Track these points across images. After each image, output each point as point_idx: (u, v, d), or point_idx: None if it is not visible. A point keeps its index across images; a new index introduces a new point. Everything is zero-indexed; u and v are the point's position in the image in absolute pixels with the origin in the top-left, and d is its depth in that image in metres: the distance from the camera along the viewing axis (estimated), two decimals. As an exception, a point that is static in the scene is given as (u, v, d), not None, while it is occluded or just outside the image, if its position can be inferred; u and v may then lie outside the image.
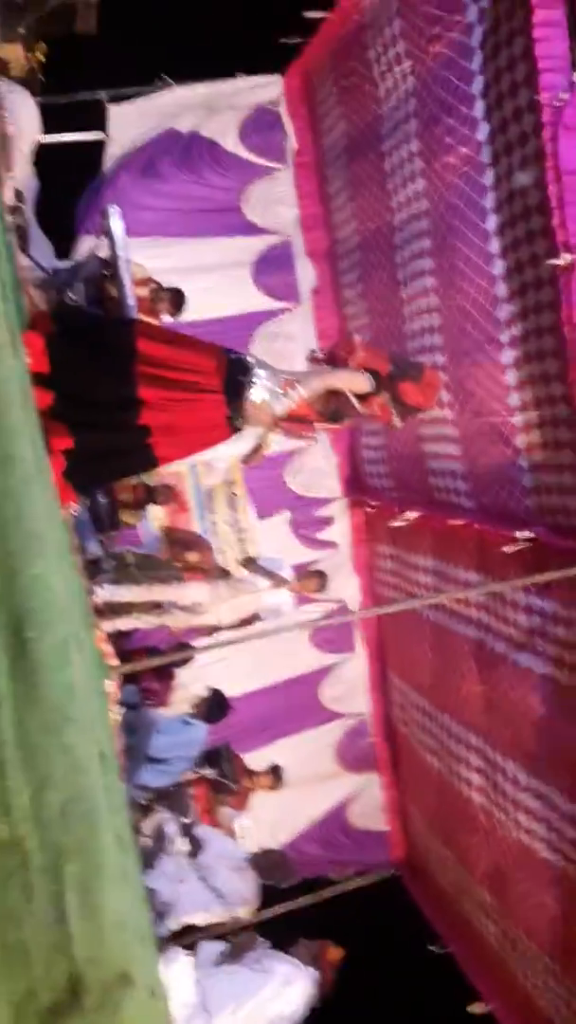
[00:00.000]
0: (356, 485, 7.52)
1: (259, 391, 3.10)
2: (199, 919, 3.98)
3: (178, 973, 3.48)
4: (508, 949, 5.91)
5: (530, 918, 5.49)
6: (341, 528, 7.63)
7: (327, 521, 7.60)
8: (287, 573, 5.38)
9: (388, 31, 5.40)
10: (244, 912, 4.19)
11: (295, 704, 7.54)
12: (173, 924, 3.86)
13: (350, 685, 7.77)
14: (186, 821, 3.97)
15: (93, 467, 3.16)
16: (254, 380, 3.09)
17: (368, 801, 7.97)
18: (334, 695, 7.72)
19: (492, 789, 5.74)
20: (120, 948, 1.22)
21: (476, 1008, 6.05)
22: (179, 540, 5.60)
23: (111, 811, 1.31)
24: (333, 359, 3.34)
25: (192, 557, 5.28)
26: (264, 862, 4.35)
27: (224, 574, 5.32)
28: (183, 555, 5.26)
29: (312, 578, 5.56)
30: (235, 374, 3.08)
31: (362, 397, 3.35)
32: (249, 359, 3.17)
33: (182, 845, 3.93)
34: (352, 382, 3.28)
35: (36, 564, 1.25)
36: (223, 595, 4.93)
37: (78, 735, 1.24)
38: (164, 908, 3.75)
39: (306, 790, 7.49)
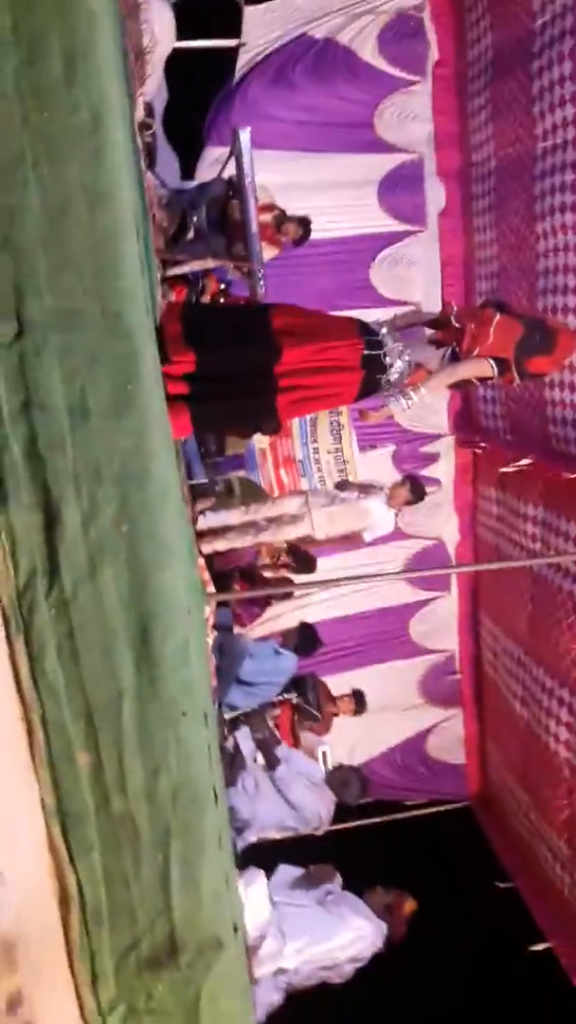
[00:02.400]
0: (467, 422, 7.31)
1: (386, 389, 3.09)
2: (275, 834, 4.18)
3: (256, 894, 3.67)
4: (577, 896, 6.00)
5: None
6: (446, 466, 7.48)
7: (432, 458, 7.45)
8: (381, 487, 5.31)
9: None
10: (318, 829, 4.37)
11: (384, 634, 7.62)
12: (252, 838, 4.07)
13: (441, 622, 7.78)
14: (264, 738, 4.13)
15: (214, 401, 3.08)
16: (387, 381, 3.07)
17: (448, 734, 8.08)
18: (424, 630, 7.76)
19: (580, 745, 5.73)
20: (215, 917, 1.34)
21: (538, 947, 6.23)
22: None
23: (212, 811, 1.38)
24: (456, 338, 3.19)
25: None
26: (340, 777, 4.50)
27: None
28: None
29: (405, 487, 5.31)
30: (373, 373, 3.04)
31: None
32: (387, 359, 3.07)
33: (260, 760, 4.11)
34: (476, 371, 3.17)
35: (164, 573, 1.29)
36: (319, 502, 4.93)
37: (191, 728, 1.31)
38: (243, 824, 3.95)
39: (388, 717, 7.65)
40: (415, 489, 5.20)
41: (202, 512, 4.85)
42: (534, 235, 5.73)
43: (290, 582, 5.71)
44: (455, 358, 3.18)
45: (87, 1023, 1.36)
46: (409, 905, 4.04)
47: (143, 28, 4.50)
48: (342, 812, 5.74)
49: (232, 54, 6.30)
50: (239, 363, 2.86)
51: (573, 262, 5.27)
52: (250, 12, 6.22)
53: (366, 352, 3.00)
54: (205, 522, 4.80)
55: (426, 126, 6.77)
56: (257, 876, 3.77)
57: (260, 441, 6.83)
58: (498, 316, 3.12)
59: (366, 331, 3.05)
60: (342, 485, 5.37)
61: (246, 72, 6.32)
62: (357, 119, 6.57)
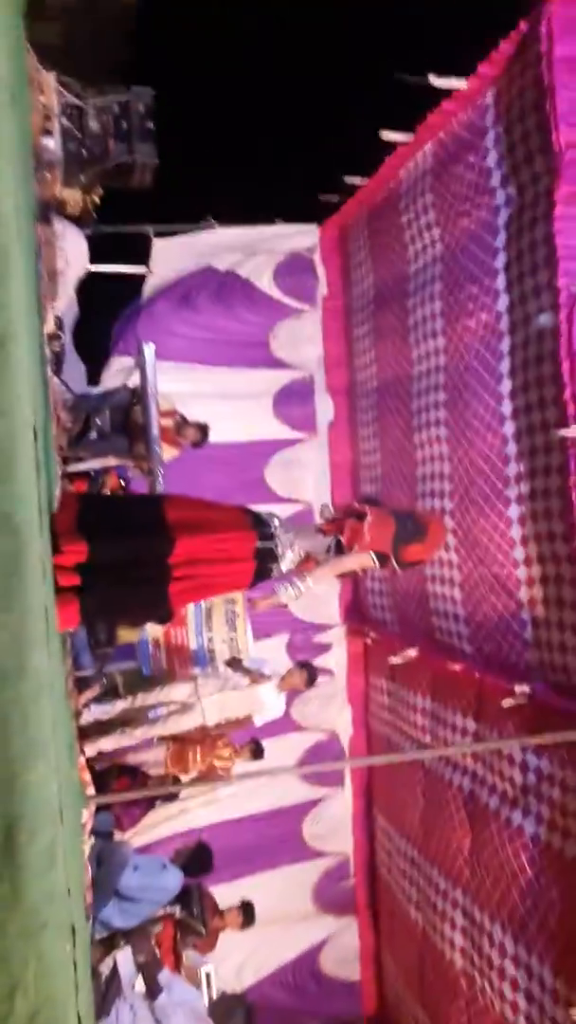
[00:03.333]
0: (357, 613, 7.55)
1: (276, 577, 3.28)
2: None
3: None
4: None
5: None
6: (338, 656, 7.61)
7: (324, 647, 7.58)
8: (269, 671, 5.33)
9: (421, 201, 5.82)
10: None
11: (276, 837, 7.31)
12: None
13: (335, 823, 7.55)
14: (146, 962, 3.79)
15: (105, 592, 3.13)
16: (278, 569, 3.26)
17: (343, 947, 7.61)
18: (317, 832, 7.50)
19: (476, 954, 5.51)
20: None
21: None
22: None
23: (78, 998, 1.30)
24: (338, 529, 3.45)
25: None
26: (224, 1008, 4.14)
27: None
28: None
29: (298, 672, 5.40)
30: (265, 563, 3.21)
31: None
32: (279, 550, 3.26)
33: (139, 986, 3.76)
34: (359, 563, 3.43)
35: (33, 772, 1.28)
36: (208, 690, 4.90)
37: (52, 941, 1.24)
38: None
39: (278, 930, 7.18)
40: (311, 674, 5.29)
41: (87, 704, 4.75)
42: (412, 445, 6.30)
43: (176, 781, 5.52)
44: (340, 549, 3.41)
45: None
46: None
47: (58, 253, 5.00)
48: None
49: (141, 279, 6.96)
50: (132, 553, 2.95)
51: (446, 469, 5.77)
52: (159, 244, 6.97)
53: (259, 544, 3.17)
54: (91, 715, 4.68)
55: (316, 348, 7.51)
56: None
57: (153, 631, 6.82)
58: (370, 514, 3.40)
59: (258, 523, 3.23)
60: (233, 663, 5.39)
61: (154, 293, 6.96)
62: (254, 339, 7.25)
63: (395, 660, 6.49)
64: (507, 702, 4.79)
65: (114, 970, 3.72)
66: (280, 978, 7.36)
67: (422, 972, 6.37)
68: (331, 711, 7.57)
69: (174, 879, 4.30)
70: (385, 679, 7.11)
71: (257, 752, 5.19)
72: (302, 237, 7.42)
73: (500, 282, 4.85)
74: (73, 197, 5.29)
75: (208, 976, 4.40)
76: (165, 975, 3.79)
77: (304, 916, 7.53)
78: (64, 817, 1.36)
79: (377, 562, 3.42)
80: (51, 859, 1.19)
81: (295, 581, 3.38)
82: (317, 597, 7.67)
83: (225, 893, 5.97)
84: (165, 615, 3.21)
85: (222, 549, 3.06)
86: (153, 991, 3.70)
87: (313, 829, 7.46)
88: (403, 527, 3.42)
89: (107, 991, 3.63)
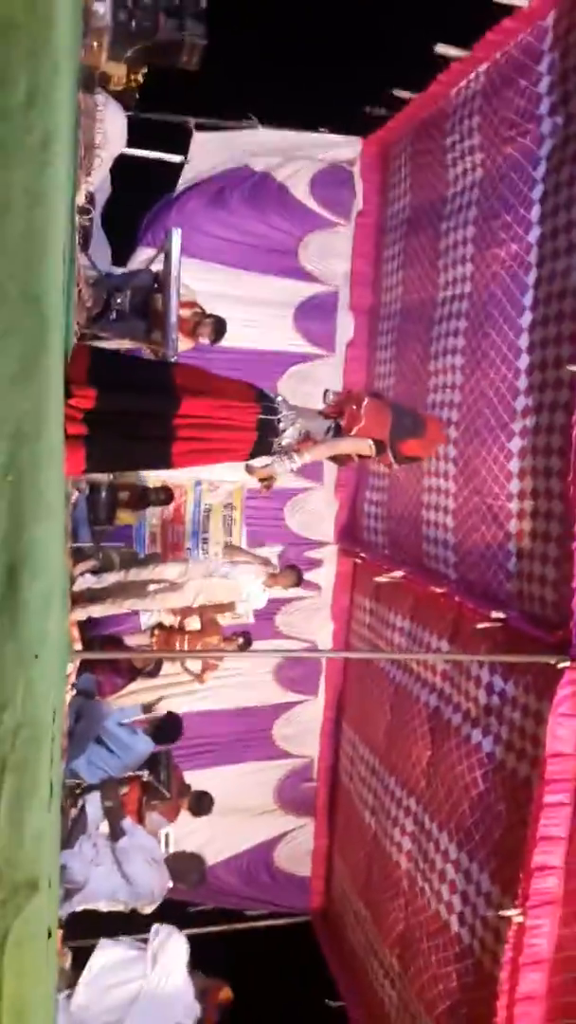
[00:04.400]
0: (350, 534, 7.71)
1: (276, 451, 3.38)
2: (103, 905, 4.10)
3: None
4: (404, 1018, 5.96)
5: (431, 990, 5.56)
6: (327, 573, 7.80)
7: (315, 563, 7.77)
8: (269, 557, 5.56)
9: (467, 123, 5.73)
10: (147, 906, 4.30)
11: (246, 734, 7.64)
12: (78, 905, 3.98)
13: (304, 727, 7.88)
14: (112, 807, 4.10)
15: (111, 442, 3.22)
16: (278, 444, 3.35)
17: (298, 844, 8.03)
18: (287, 733, 7.83)
19: (421, 858, 5.84)
20: (34, 857, 1.41)
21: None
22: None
23: (52, 752, 1.49)
24: (339, 413, 3.55)
25: None
26: (179, 862, 4.48)
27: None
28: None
29: (289, 572, 5.68)
30: (265, 436, 3.31)
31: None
32: (281, 425, 3.36)
33: (103, 828, 4.07)
34: (356, 448, 3.53)
35: (41, 525, 1.44)
36: (197, 573, 5.10)
37: (41, 674, 1.43)
38: (73, 887, 3.88)
39: (238, 821, 7.57)
40: (297, 575, 5.49)
41: (81, 574, 4.94)
42: (426, 372, 6.34)
43: (158, 667, 5.77)
44: (339, 433, 3.52)
45: None
46: (224, 994, 4.04)
47: (96, 127, 4.95)
48: (180, 920, 5.61)
49: (176, 169, 6.87)
50: (138, 407, 3.06)
51: (456, 398, 5.83)
52: (199, 137, 6.86)
53: (261, 416, 3.29)
54: (83, 583, 4.88)
55: (344, 264, 7.47)
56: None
57: (152, 524, 7.00)
58: (367, 400, 3.50)
59: (263, 397, 3.35)
60: (229, 547, 5.60)
61: (187, 188, 6.89)
62: (283, 246, 7.20)
63: (381, 580, 6.67)
64: (481, 624, 4.97)
65: (81, 810, 4.02)
66: (235, 864, 7.78)
67: (369, 872, 6.76)
68: (314, 624, 7.80)
69: (143, 744, 4.57)
70: (369, 598, 7.31)
71: (246, 644, 5.42)
72: (344, 148, 7.30)
73: (534, 213, 4.83)
74: (117, 72, 5.21)
75: (167, 836, 4.71)
76: (128, 823, 4.10)
77: (264, 811, 7.92)
78: (60, 580, 1.50)
79: (374, 449, 3.53)
80: (47, 604, 1.35)
81: (291, 455, 3.49)
82: (314, 514, 7.83)
83: (194, 779, 6.30)
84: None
85: (226, 416, 3.17)
86: (116, 833, 4.00)
87: (283, 731, 7.79)
88: (401, 420, 3.54)
89: (73, 828, 3.92)
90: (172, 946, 3.89)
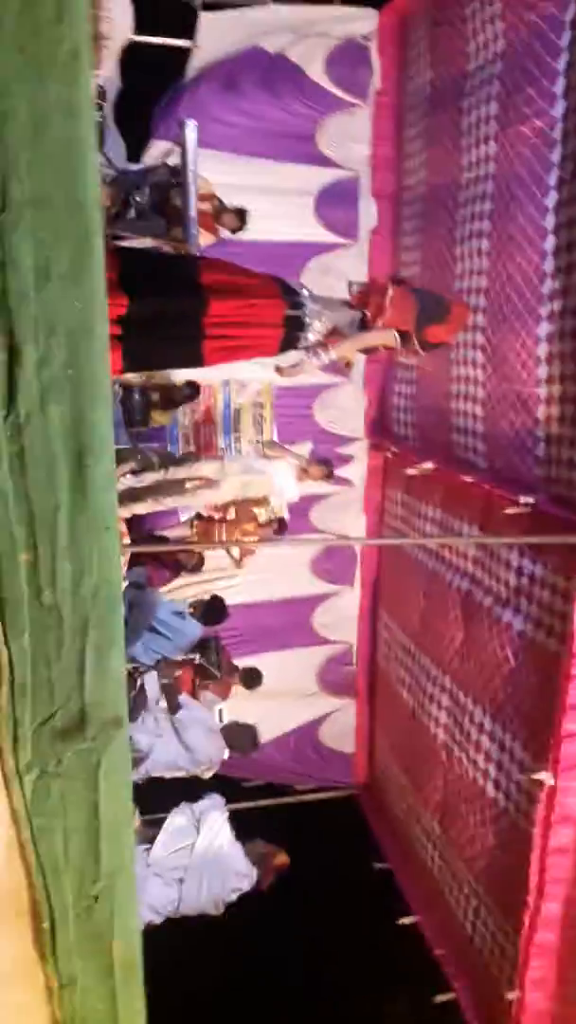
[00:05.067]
0: (380, 429, 7.77)
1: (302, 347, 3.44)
2: (166, 773, 4.50)
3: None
4: (446, 875, 6.44)
5: (470, 849, 6.00)
6: (358, 468, 7.91)
7: (346, 459, 7.87)
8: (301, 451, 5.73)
9: (488, -13, 5.43)
10: (207, 772, 4.69)
11: (287, 623, 7.96)
12: (144, 773, 4.37)
13: (342, 615, 8.18)
14: (169, 684, 4.44)
15: (145, 343, 3.34)
16: (305, 338, 3.41)
17: (341, 723, 8.46)
18: (325, 621, 8.14)
19: (457, 729, 6.18)
20: (117, 699, 1.68)
21: (406, 920, 6.64)
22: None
23: (120, 609, 1.73)
24: (365, 303, 3.58)
25: None
26: (234, 730, 4.84)
27: None
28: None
29: (319, 465, 5.86)
30: (293, 330, 3.37)
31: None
32: (307, 319, 3.41)
33: (162, 702, 4.43)
34: (382, 340, 3.58)
35: (97, 412, 1.60)
36: (234, 469, 5.30)
37: (111, 541, 1.64)
38: (140, 755, 4.25)
39: (284, 703, 7.98)
40: (328, 468, 5.64)
41: (123, 475, 5.12)
42: (452, 257, 6.24)
43: (201, 562, 6.03)
44: (364, 326, 3.58)
45: (6, 778, 1.65)
46: (281, 858, 4.41)
47: (103, 15, 4.81)
48: (232, 794, 6.05)
49: (186, 54, 6.64)
50: (168, 310, 3.16)
51: (483, 284, 5.77)
52: (206, 18, 6.58)
53: (288, 312, 3.36)
54: (125, 482, 5.07)
55: (364, 148, 7.24)
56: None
57: (183, 426, 7.14)
58: (392, 289, 3.53)
59: (289, 292, 3.41)
60: (265, 445, 5.76)
61: (198, 74, 6.67)
62: (300, 132, 6.98)
63: (412, 471, 6.78)
64: (510, 510, 5.09)
65: (141, 688, 4.36)
66: (283, 743, 8.25)
67: (409, 744, 7.16)
68: (347, 518, 7.97)
69: (192, 626, 4.88)
70: (400, 491, 7.45)
71: (281, 527, 5.62)
72: (360, 22, 6.95)
73: (559, 86, 4.65)
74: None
75: (220, 711, 5.06)
76: (185, 697, 4.44)
77: (308, 694, 8.33)
78: (113, 460, 1.69)
79: (399, 340, 3.59)
80: (109, 482, 1.55)
81: (319, 352, 3.57)
82: (344, 409, 7.88)
83: (240, 665, 6.66)
84: (199, 365, 3.44)
85: (253, 314, 3.25)
86: (174, 707, 4.34)
87: (322, 619, 8.10)
88: (426, 306, 3.57)
89: (135, 704, 4.26)
90: (212, 815, 4.26)
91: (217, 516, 5.52)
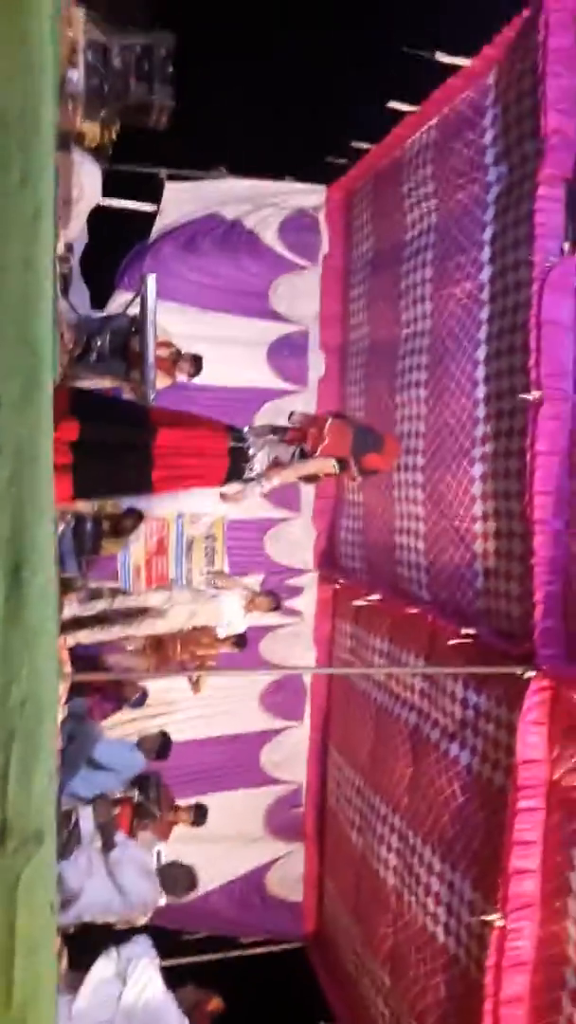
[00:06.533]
0: (329, 561, 7.97)
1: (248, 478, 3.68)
2: (99, 917, 4.28)
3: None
4: (397, 1033, 6.09)
5: (421, 1002, 5.71)
6: (308, 600, 8.04)
7: (296, 590, 8.01)
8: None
9: (422, 172, 6.12)
10: (141, 917, 4.47)
11: (234, 761, 7.80)
12: (74, 917, 4.16)
13: (291, 753, 8.05)
14: (105, 822, 4.30)
15: (95, 469, 3.49)
16: (249, 468, 3.65)
17: (288, 870, 8.15)
18: (274, 759, 8.00)
19: (407, 871, 6.02)
20: (40, 811, 1.67)
21: None
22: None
23: (51, 719, 1.76)
24: (303, 437, 3.86)
25: None
26: (170, 871, 4.65)
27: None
28: None
29: (266, 597, 5.95)
30: (237, 462, 3.62)
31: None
32: (251, 451, 3.67)
33: (96, 840, 4.27)
34: (321, 467, 3.84)
35: (39, 529, 1.71)
36: (182, 599, 5.35)
37: (42, 654, 1.69)
38: (70, 897, 4.06)
39: (229, 847, 7.70)
40: (275, 600, 5.75)
41: (70, 602, 5.16)
42: (393, 404, 6.66)
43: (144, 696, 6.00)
44: (304, 457, 3.83)
45: None
46: (214, 1003, 4.20)
47: (73, 182, 5.29)
48: (173, 949, 5.72)
49: (150, 218, 7.23)
50: (119, 437, 3.36)
51: (422, 428, 6.15)
52: (171, 187, 7.24)
53: (232, 444, 3.60)
54: (71, 610, 5.10)
55: (314, 304, 7.82)
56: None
57: (136, 558, 7.25)
58: (330, 420, 3.80)
59: (231, 428, 3.66)
60: (215, 576, 5.86)
61: (160, 235, 7.25)
62: (255, 289, 7.55)
63: (359, 603, 6.93)
64: (453, 642, 5.22)
65: (75, 824, 4.21)
66: (228, 890, 7.89)
67: (358, 890, 6.91)
68: (297, 649, 8.02)
69: (138, 757, 4.78)
70: (349, 622, 7.56)
71: (240, 642, 5.65)
72: (309, 196, 7.70)
73: (485, 254, 5.19)
74: (92, 130, 5.56)
75: (159, 853, 4.88)
76: (120, 836, 4.29)
77: (255, 838, 8.06)
78: (53, 573, 1.75)
79: (337, 467, 3.84)
80: (45, 595, 1.62)
81: (262, 480, 3.80)
82: (294, 542, 8.09)
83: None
84: (148, 492, 3.61)
85: (199, 445, 3.46)
86: (108, 846, 4.18)
87: (271, 757, 7.96)
88: (362, 437, 3.85)
89: (67, 842, 4.10)
90: (141, 963, 4.05)
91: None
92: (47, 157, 1.90)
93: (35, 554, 1.61)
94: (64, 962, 4.14)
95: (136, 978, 3.87)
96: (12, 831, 1.63)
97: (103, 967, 3.88)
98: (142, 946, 4.09)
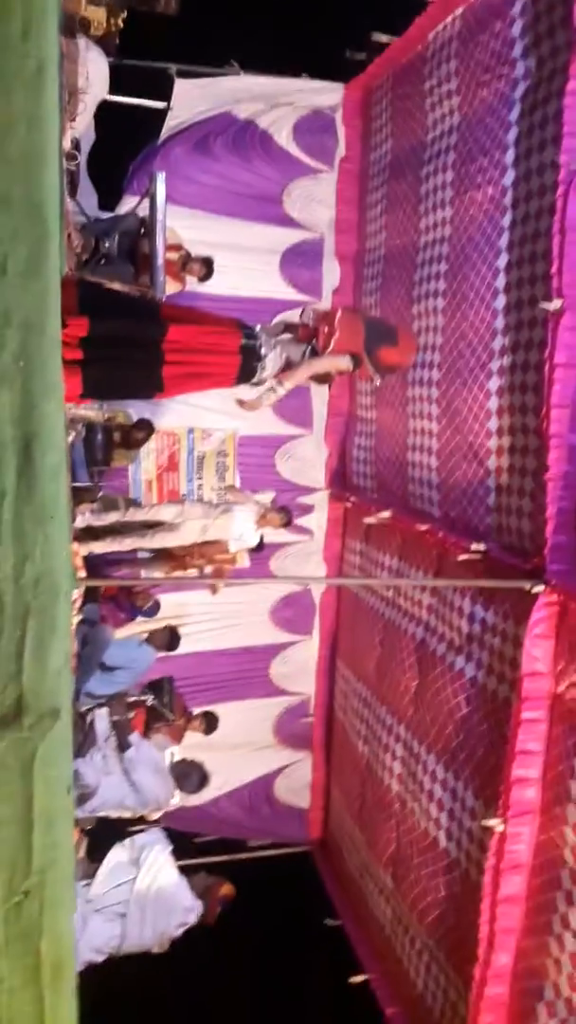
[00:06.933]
0: (340, 480, 7.92)
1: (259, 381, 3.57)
2: (113, 812, 4.43)
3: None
4: (398, 930, 6.34)
5: (421, 902, 5.93)
6: (318, 518, 8.02)
7: (307, 509, 7.98)
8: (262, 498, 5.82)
9: (445, 67, 5.79)
10: (154, 812, 4.63)
11: (244, 672, 7.94)
12: (90, 811, 4.31)
13: (300, 666, 8.17)
14: (120, 721, 4.41)
15: (104, 366, 3.36)
16: (261, 368, 3.54)
17: (296, 777, 8.38)
18: (283, 672, 8.13)
19: (411, 779, 6.17)
20: (56, 690, 1.69)
21: (356, 979, 6.50)
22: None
23: (65, 597, 1.75)
24: (314, 335, 3.73)
25: None
26: (182, 767, 4.79)
27: None
28: None
29: (278, 513, 5.92)
30: (249, 361, 3.50)
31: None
32: (262, 350, 3.55)
33: (112, 740, 4.38)
34: (334, 365, 3.72)
35: (48, 404, 1.66)
36: (194, 514, 5.34)
37: (55, 531, 1.68)
38: (85, 791, 4.20)
39: (239, 754, 7.91)
40: (287, 516, 5.72)
41: (81, 512, 5.16)
42: (409, 315, 6.48)
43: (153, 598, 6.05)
44: (315, 355, 3.72)
45: None
46: (226, 888, 4.35)
47: (79, 71, 5.03)
48: (184, 851, 5.92)
49: (160, 116, 6.92)
50: (129, 333, 3.27)
51: (438, 341, 5.99)
52: (181, 84, 6.90)
53: (243, 341, 3.50)
54: (84, 520, 5.10)
55: (329, 211, 7.55)
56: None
57: (147, 471, 7.22)
58: (339, 313, 3.69)
59: (243, 326, 3.56)
60: (226, 490, 5.83)
61: (171, 135, 6.95)
62: (267, 194, 7.28)
63: (370, 520, 6.90)
64: (462, 557, 5.20)
65: (91, 724, 4.31)
66: (237, 796, 8.13)
67: (363, 797, 7.11)
68: (307, 567, 8.05)
69: (149, 653, 4.86)
70: (359, 540, 7.55)
71: (257, 547, 5.66)
72: (326, 94, 7.33)
73: (509, 157, 4.94)
74: (98, 17, 5.28)
75: (172, 755, 5.01)
76: (135, 736, 4.40)
77: (264, 746, 8.25)
78: (64, 453, 1.71)
79: (352, 364, 3.72)
80: (57, 473, 1.59)
81: (274, 385, 3.70)
82: (305, 460, 8.02)
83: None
84: (159, 391, 3.53)
85: (210, 341, 3.37)
86: (123, 745, 4.30)
87: (280, 669, 8.09)
88: (374, 330, 3.72)
89: (84, 741, 4.22)
90: (154, 850, 4.21)
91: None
92: (48, 11, 1.77)
93: (45, 431, 1.58)
94: (82, 851, 4.31)
95: (150, 864, 4.02)
96: (28, 707, 1.65)
97: (118, 853, 4.03)
98: (155, 835, 4.24)
